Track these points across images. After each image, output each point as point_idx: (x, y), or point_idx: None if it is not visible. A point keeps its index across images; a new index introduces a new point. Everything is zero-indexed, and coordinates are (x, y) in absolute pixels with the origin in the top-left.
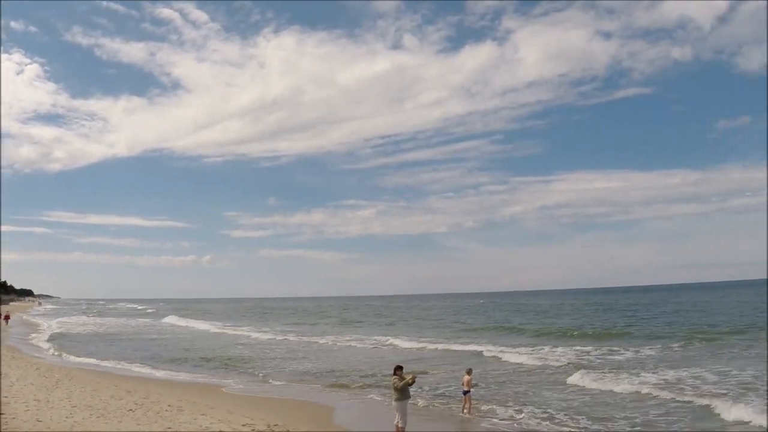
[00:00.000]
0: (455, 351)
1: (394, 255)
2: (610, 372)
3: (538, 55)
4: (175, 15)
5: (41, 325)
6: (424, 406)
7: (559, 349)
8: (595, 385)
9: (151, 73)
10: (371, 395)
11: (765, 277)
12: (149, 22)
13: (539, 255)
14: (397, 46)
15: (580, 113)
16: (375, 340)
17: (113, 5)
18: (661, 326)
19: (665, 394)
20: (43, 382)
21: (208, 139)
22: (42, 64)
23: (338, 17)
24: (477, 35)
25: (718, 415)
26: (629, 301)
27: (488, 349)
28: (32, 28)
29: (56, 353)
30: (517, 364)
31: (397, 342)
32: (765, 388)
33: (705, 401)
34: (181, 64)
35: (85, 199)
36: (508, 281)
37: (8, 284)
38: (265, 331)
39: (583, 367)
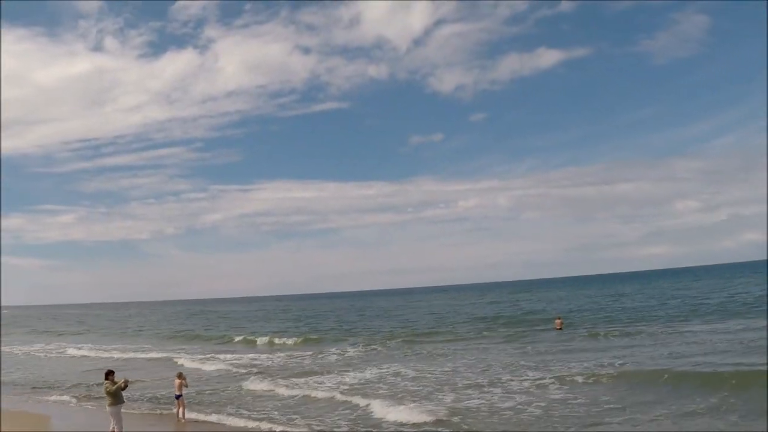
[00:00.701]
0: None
1: (97, 262)
2: (291, 376)
3: (238, 65)
4: None
5: None
6: (139, 412)
7: (237, 355)
8: (262, 387)
9: None
10: (85, 403)
11: (461, 283)
12: None
13: (241, 262)
14: (98, 48)
15: (279, 124)
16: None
17: None
18: (360, 329)
19: (324, 394)
20: None
21: None
22: None
23: (39, 14)
24: (179, 42)
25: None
26: (325, 307)
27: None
28: None
29: None
30: (208, 370)
31: (84, 352)
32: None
33: (365, 401)
34: None
35: None
36: (211, 288)
37: None
38: None
39: (261, 372)
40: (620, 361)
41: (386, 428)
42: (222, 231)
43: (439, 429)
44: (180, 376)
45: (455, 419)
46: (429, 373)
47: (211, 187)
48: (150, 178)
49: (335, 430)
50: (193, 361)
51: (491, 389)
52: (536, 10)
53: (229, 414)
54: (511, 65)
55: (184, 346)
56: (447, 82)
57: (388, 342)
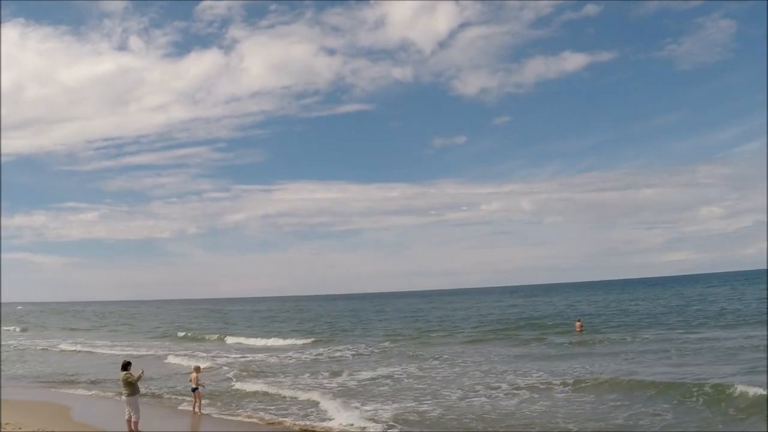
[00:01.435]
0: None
1: (118, 260)
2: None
3: (263, 66)
4: None
5: None
6: (154, 403)
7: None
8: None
9: None
10: (102, 394)
11: (481, 286)
12: None
13: (262, 262)
14: (122, 47)
15: (302, 125)
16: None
17: None
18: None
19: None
20: None
21: None
22: None
23: (64, 13)
24: (203, 42)
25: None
26: (342, 308)
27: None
28: None
29: None
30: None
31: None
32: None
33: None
34: None
35: None
36: (231, 287)
37: None
38: None
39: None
40: (610, 368)
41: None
42: (244, 231)
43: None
44: (197, 369)
45: (395, 423)
46: (414, 376)
47: (234, 187)
48: (173, 177)
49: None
50: (178, 357)
51: (469, 392)
52: (561, 13)
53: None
54: (536, 69)
55: (169, 344)
56: (471, 84)
57: (382, 343)
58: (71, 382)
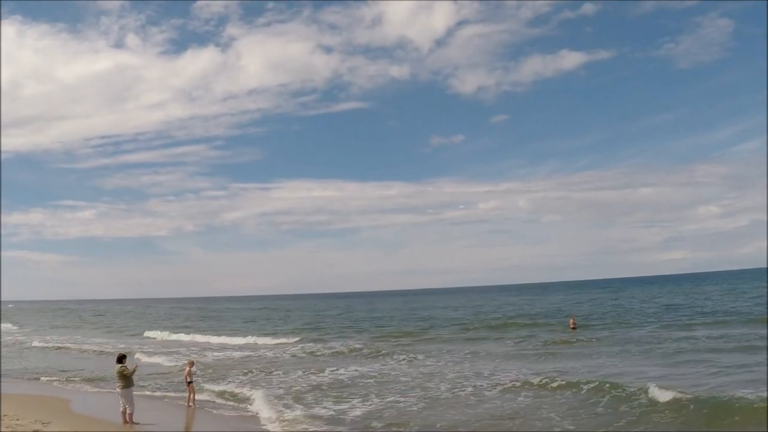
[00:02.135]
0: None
1: (116, 258)
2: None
3: (260, 64)
4: None
5: None
6: (149, 395)
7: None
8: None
9: None
10: (98, 388)
11: (478, 284)
12: None
13: (260, 260)
14: (120, 45)
15: (300, 123)
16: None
17: None
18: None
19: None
20: None
21: None
22: None
23: (62, 11)
24: (200, 40)
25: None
26: (333, 306)
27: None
28: None
29: None
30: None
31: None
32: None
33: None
34: None
35: None
36: (229, 285)
37: None
38: None
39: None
40: (567, 367)
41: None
42: (242, 229)
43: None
44: (191, 364)
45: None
46: (371, 375)
47: (232, 186)
48: (170, 175)
49: None
50: (150, 355)
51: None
52: (559, 11)
53: None
54: (534, 67)
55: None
56: (469, 83)
57: (359, 341)
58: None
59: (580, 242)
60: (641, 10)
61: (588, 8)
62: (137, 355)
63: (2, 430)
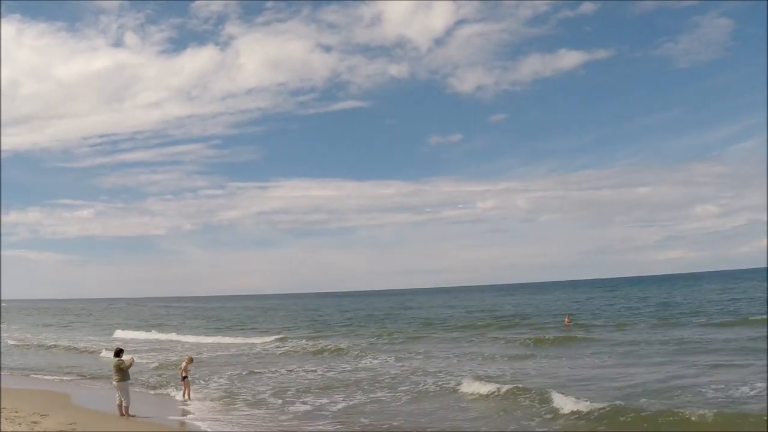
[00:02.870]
0: None
1: (113, 257)
2: None
3: (259, 63)
4: None
5: None
6: (143, 390)
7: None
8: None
9: None
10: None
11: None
12: None
13: (258, 260)
14: (118, 43)
15: (298, 122)
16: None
17: None
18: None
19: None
20: None
21: None
22: None
23: (60, 9)
24: (199, 39)
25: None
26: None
27: None
28: None
29: None
30: None
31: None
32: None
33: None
34: None
35: None
36: (227, 285)
37: None
38: None
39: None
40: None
41: None
42: (239, 228)
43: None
44: (189, 360)
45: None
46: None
47: (229, 185)
48: (168, 174)
49: None
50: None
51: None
52: (558, 11)
53: None
54: (533, 66)
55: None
56: (468, 82)
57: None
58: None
59: (577, 241)
60: (640, 10)
61: (587, 7)
62: (103, 353)
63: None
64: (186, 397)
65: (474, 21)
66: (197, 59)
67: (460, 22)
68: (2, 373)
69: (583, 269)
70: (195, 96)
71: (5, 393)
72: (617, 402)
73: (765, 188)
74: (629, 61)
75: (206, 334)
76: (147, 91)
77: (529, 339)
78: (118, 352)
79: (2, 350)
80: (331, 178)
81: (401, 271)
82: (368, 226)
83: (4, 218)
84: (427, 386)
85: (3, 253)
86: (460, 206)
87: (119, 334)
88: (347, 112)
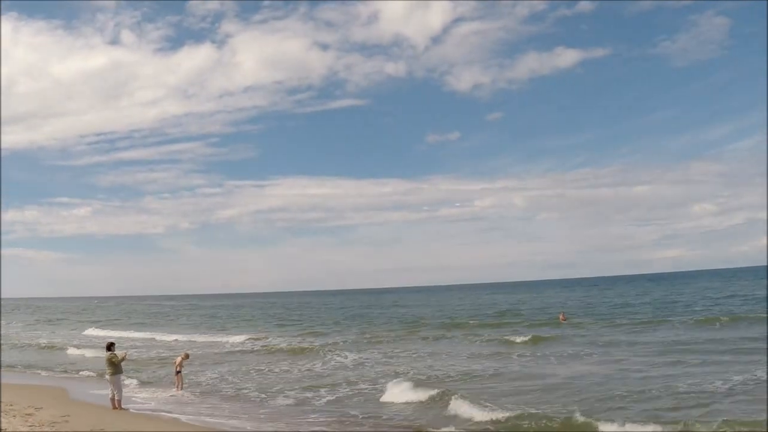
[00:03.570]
0: None
1: (111, 255)
2: None
3: (256, 61)
4: None
5: None
6: (138, 384)
7: None
8: None
9: None
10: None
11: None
12: None
13: (255, 258)
14: (115, 41)
15: (295, 120)
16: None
17: None
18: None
19: None
20: None
21: None
22: None
23: (57, 7)
24: (196, 37)
25: None
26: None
27: None
28: None
29: None
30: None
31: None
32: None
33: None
34: None
35: None
36: (225, 283)
37: None
38: None
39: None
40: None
41: None
42: (237, 227)
43: None
44: (186, 356)
45: None
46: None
47: (227, 183)
48: (165, 172)
49: None
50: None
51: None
52: (555, 9)
53: None
54: (530, 64)
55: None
56: (465, 80)
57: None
58: None
59: (575, 240)
60: (638, 8)
61: (584, 6)
62: (69, 350)
63: None
64: (178, 390)
65: (471, 19)
66: (194, 57)
67: (457, 21)
68: None
69: (580, 267)
70: (192, 94)
71: None
72: (530, 409)
73: (763, 187)
74: (626, 59)
75: (184, 332)
76: (144, 90)
77: (512, 339)
78: (110, 346)
79: None
80: (328, 176)
81: (399, 269)
82: (366, 225)
83: (2, 217)
84: (359, 389)
85: (1, 251)
86: (458, 204)
87: (90, 331)
88: (344, 111)
